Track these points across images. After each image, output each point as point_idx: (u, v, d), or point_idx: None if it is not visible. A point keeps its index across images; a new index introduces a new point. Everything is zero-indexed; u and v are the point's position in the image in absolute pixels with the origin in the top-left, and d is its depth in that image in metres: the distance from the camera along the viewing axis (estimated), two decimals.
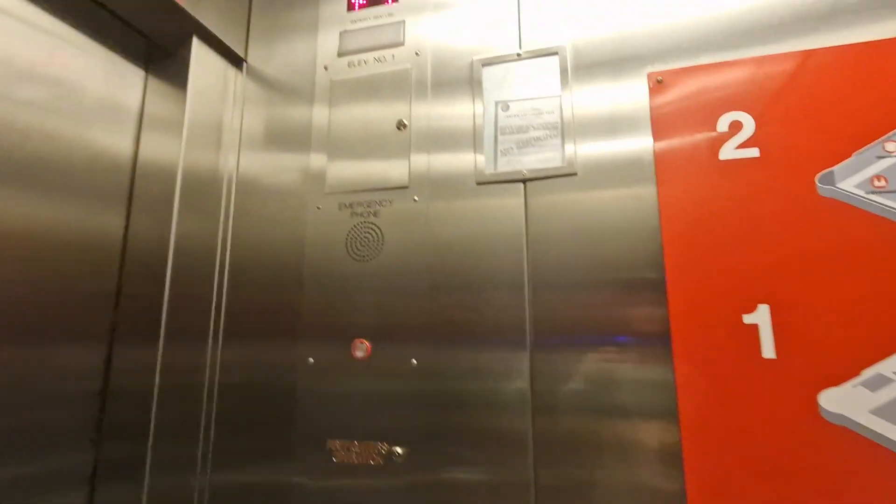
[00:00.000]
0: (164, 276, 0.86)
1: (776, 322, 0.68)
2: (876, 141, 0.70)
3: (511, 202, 0.84)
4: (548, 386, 0.77)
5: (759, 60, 0.76)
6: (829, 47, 0.74)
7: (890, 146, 0.69)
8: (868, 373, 0.64)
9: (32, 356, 0.75)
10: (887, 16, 0.73)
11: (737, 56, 0.78)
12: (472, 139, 0.88)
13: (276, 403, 0.89)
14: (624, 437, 0.72)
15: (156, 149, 0.94)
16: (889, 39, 0.72)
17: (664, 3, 0.83)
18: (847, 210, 0.69)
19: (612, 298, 0.77)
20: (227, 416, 0.91)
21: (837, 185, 0.70)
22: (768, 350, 0.68)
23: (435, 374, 0.82)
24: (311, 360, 0.88)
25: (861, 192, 0.68)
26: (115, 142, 0.91)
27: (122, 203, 0.91)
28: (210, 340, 0.93)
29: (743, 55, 0.78)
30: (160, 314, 0.85)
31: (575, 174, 0.82)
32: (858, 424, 0.63)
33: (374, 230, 0.90)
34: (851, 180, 0.69)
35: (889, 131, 0.69)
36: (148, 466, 0.80)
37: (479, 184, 0.86)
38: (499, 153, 0.86)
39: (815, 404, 0.65)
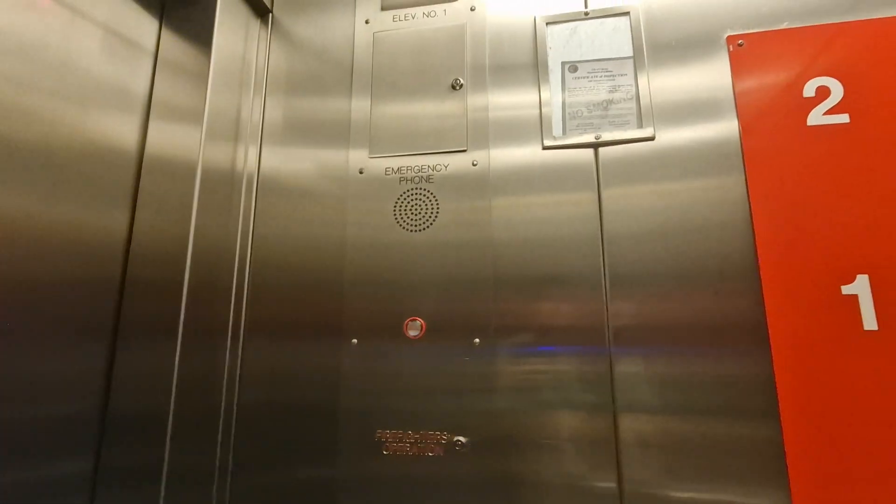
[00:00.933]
0: (185, 258, 0.73)
1: (876, 292, 0.65)
2: None
3: (582, 169, 0.78)
4: (631, 384, 0.70)
5: (845, 27, 0.74)
6: None
7: None
8: None
9: (30, 358, 0.61)
10: None
11: (819, 23, 0.75)
12: (538, 101, 0.81)
13: (314, 394, 0.78)
14: (715, 431, 0.67)
15: (173, 93, 0.81)
16: None
17: None
18: None
19: (697, 283, 0.71)
20: (250, 413, 0.79)
21: None
22: (870, 321, 0.64)
23: (501, 354, 0.74)
24: (354, 341, 0.78)
25: None
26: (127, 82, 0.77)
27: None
28: (230, 335, 0.81)
29: (825, 21, 0.75)
30: (179, 306, 0.72)
31: (652, 139, 0.76)
32: None
33: (427, 197, 0.81)
34: None
35: None
36: (165, 468, 0.67)
37: (545, 149, 0.79)
38: (567, 116, 0.79)
39: None
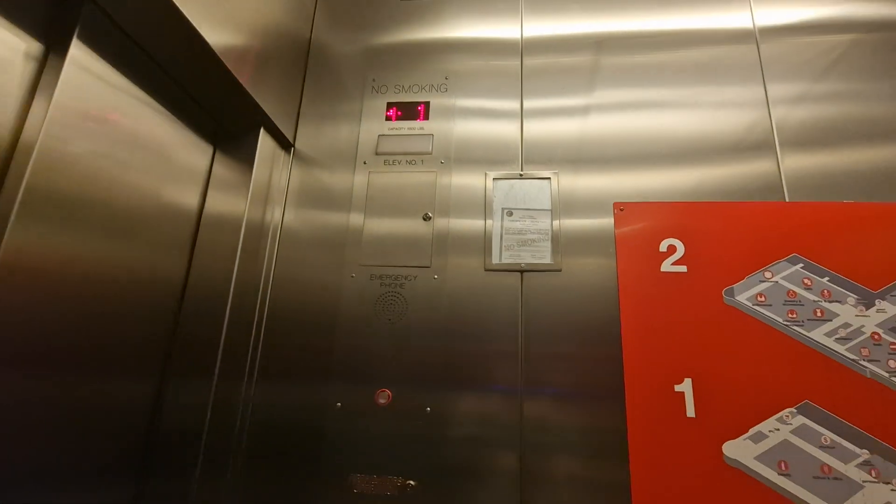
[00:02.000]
0: (222, 316, 1.02)
1: (697, 390, 0.97)
2: (759, 270, 1.04)
3: (511, 284, 1.10)
4: (534, 430, 1.00)
5: (689, 205, 1.10)
6: (731, 203, 1.09)
7: (767, 274, 1.03)
8: (753, 430, 0.94)
9: (85, 389, 0.85)
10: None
11: (675, 199, 1.12)
12: (483, 234, 1.14)
13: (303, 442, 1.04)
14: (588, 473, 0.96)
15: (219, 205, 1.11)
16: (764, 203, 1.08)
17: (623, 161, 1.17)
18: (742, 315, 1.01)
19: (584, 362, 1.03)
20: (257, 451, 1.04)
21: (736, 297, 1.02)
22: (690, 411, 0.96)
23: (445, 418, 1.02)
24: (339, 404, 1.05)
25: (750, 304, 1.01)
26: (185, 198, 1.07)
27: (187, 249, 1.07)
28: (245, 380, 1.08)
29: (678, 199, 1.11)
30: (213, 354, 1.00)
31: (560, 270, 1.09)
32: (747, 467, 0.92)
33: (399, 299, 1.11)
34: (744, 295, 1.02)
35: (766, 264, 1.04)
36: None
37: (487, 270, 1.12)
38: (503, 248, 1.12)
39: (720, 451, 0.93)
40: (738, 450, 0.93)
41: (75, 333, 0.80)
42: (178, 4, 0.79)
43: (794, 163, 1.13)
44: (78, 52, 0.79)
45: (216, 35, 0.90)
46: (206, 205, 1.12)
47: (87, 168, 0.81)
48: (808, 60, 1.22)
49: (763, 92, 1.20)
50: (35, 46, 0.76)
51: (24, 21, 0.75)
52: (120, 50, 0.87)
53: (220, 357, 1.00)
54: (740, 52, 1.24)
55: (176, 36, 0.87)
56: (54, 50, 0.78)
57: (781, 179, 1.12)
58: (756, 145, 1.15)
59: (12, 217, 0.69)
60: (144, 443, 0.97)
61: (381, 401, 1.04)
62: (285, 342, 1.11)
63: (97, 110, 0.83)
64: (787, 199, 1.10)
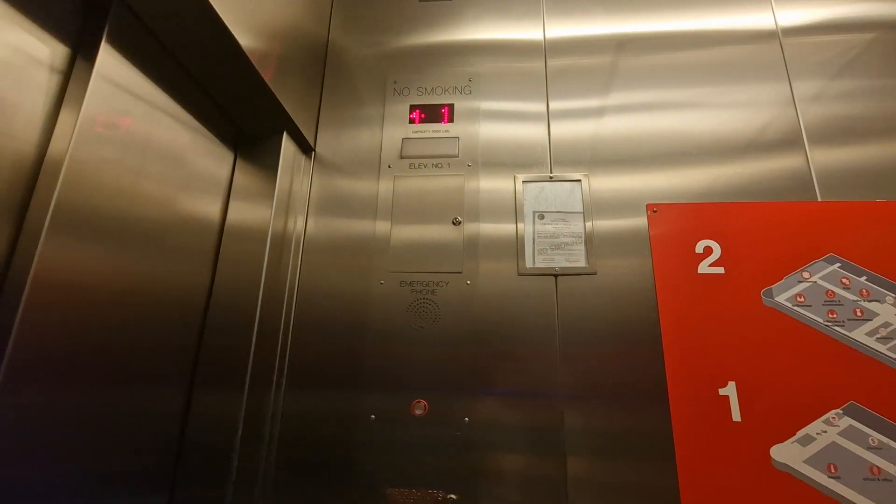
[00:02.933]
0: (251, 327, 0.99)
1: (741, 394, 0.96)
2: (796, 270, 1.03)
3: (546, 289, 1.08)
4: (577, 435, 0.97)
5: (723, 205, 1.09)
6: (765, 203, 1.08)
7: (805, 275, 1.02)
8: (801, 433, 0.93)
9: (114, 399, 0.82)
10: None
11: (707, 199, 1.10)
12: (515, 238, 1.12)
13: (336, 454, 1.01)
14: (634, 478, 0.94)
15: (242, 214, 1.08)
16: (797, 203, 1.08)
17: (653, 161, 1.16)
18: (782, 316, 1.00)
19: (623, 365, 1.01)
20: (286, 463, 1.01)
21: (775, 299, 1.01)
22: (736, 415, 0.95)
23: (484, 427, 0.99)
24: (372, 416, 1.02)
25: (790, 305, 1.00)
26: (208, 206, 1.04)
27: (210, 259, 1.03)
28: (273, 391, 1.05)
29: (711, 199, 1.10)
30: (244, 365, 0.97)
31: (595, 273, 1.07)
32: (796, 471, 0.91)
33: (431, 305, 1.08)
34: (783, 296, 1.01)
35: (803, 265, 1.03)
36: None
37: (520, 274, 1.09)
38: (536, 252, 1.10)
39: (768, 455, 0.92)
40: (787, 453, 0.91)
41: (104, 345, 0.76)
42: (212, 3, 0.76)
43: (824, 159, 1.12)
44: (107, 56, 0.75)
45: (244, 35, 0.87)
46: (229, 213, 1.09)
47: (114, 179, 0.77)
48: (830, 58, 1.22)
49: (789, 90, 1.19)
50: (61, 50, 0.73)
51: (49, 22, 0.71)
52: (148, 53, 0.83)
53: (250, 367, 0.97)
54: (764, 50, 1.24)
55: (207, 36, 0.83)
56: (82, 54, 0.74)
57: (812, 176, 1.11)
58: (784, 143, 1.15)
59: (44, 232, 0.66)
60: (176, 453, 0.93)
61: (418, 412, 1.01)
62: (314, 352, 1.08)
63: (126, 118, 0.79)
64: (819, 197, 1.09)
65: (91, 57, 0.73)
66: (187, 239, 0.97)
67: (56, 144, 0.70)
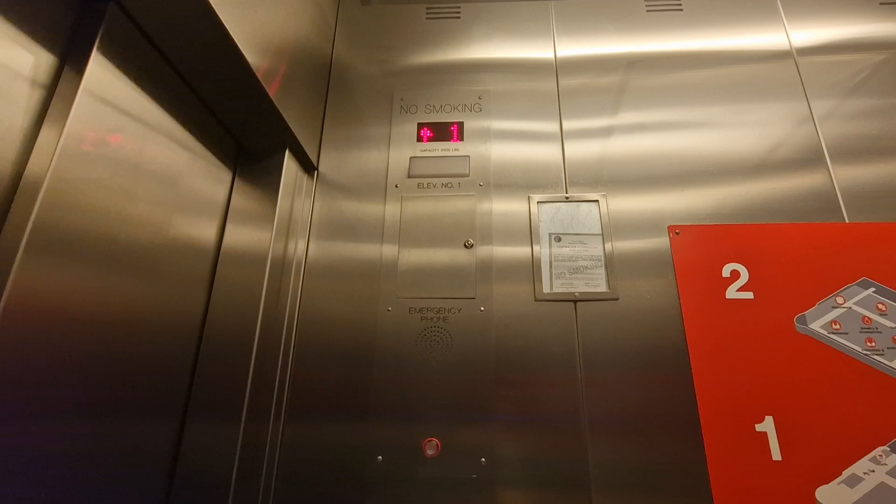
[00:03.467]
0: (248, 355, 0.90)
1: (780, 430, 0.89)
2: (829, 295, 0.97)
3: (565, 315, 1.01)
4: (603, 471, 0.89)
5: (749, 227, 1.04)
6: (791, 224, 1.04)
7: (839, 300, 0.97)
8: (846, 472, 0.85)
9: (98, 435, 0.73)
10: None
11: (729, 220, 1.06)
12: (531, 262, 1.05)
13: (340, 493, 0.91)
14: None
15: (239, 238, 1.00)
16: (825, 224, 1.03)
17: (672, 180, 1.11)
18: (818, 345, 0.94)
19: (650, 396, 0.93)
20: (285, 502, 0.91)
21: (809, 326, 0.95)
22: (776, 454, 0.87)
23: (504, 467, 0.91)
24: (380, 458, 0.93)
25: (825, 332, 0.94)
26: (203, 227, 0.96)
27: (205, 284, 0.95)
28: (272, 424, 0.96)
29: (733, 220, 1.05)
30: (240, 395, 0.88)
31: (617, 298, 1.01)
32: None
33: (444, 333, 1.01)
34: (818, 322, 0.95)
35: (835, 289, 0.98)
36: None
37: (537, 300, 1.02)
38: (553, 276, 1.04)
39: (814, 498, 0.84)
40: (834, 496, 0.84)
41: (87, 377, 0.68)
42: (216, 9, 0.70)
43: (848, 178, 1.09)
44: (98, 67, 0.69)
45: (251, 49, 0.82)
46: (226, 235, 1.01)
47: (102, 200, 0.70)
48: (845, 77, 1.20)
49: (807, 108, 1.17)
50: (46, 59, 0.66)
51: (35, 28, 0.65)
52: (145, 64, 0.77)
53: (247, 398, 0.88)
54: (780, 69, 1.22)
55: (212, 49, 0.78)
56: (70, 62, 0.68)
57: (838, 195, 1.07)
58: (806, 161, 1.11)
59: (19, 256, 0.58)
60: (167, 490, 0.83)
61: (430, 451, 0.93)
62: (316, 384, 0.99)
63: (117, 135, 0.73)
64: (846, 218, 1.05)
65: (80, 67, 0.67)
66: (181, 263, 0.89)
67: (36, 162, 0.63)
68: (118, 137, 0.74)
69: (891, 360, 0.92)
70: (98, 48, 0.69)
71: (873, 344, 0.93)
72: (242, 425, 0.87)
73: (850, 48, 1.23)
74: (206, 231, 0.97)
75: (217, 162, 1.01)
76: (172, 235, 0.87)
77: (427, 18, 1.34)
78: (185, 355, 0.91)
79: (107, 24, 0.70)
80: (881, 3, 1.27)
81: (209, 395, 0.91)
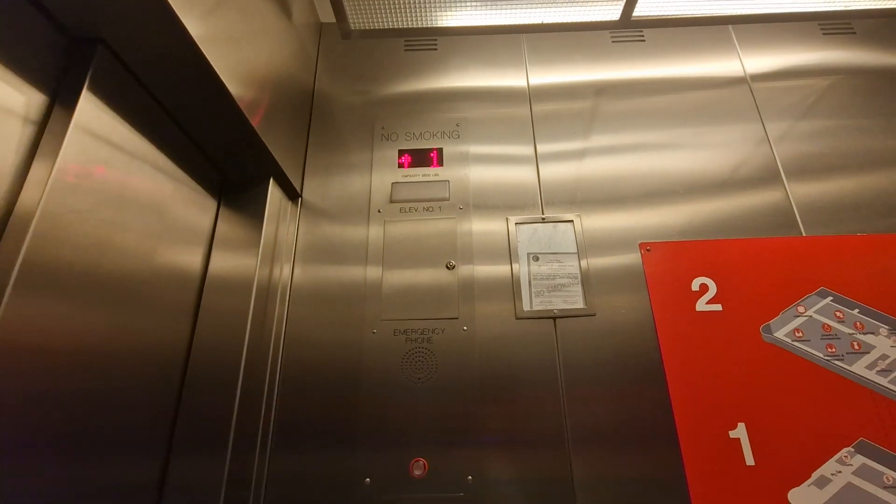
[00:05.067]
0: (234, 384, 0.91)
1: (752, 436, 0.93)
2: (791, 305, 1.03)
3: (545, 332, 1.04)
4: (588, 485, 0.92)
5: (716, 243, 1.10)
6: (754, 239, 1.10)
7: (801, 309, 1.03)
8: (816, 474, 0.90)
9: (86, 467, 0.73)
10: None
11: (697, 235, 1.12)
12: (511, 281, 1.09)
13: None
14: None
15: (225, 265, 1.02)
16: (785, 238, 1.10)
17: (642, 199, 1.17)
18: (783, 352, 0.99)
19: (630, 408, 0.97)
20: None
21: (774, 334, 1.01)
22: (749, 459, 0.91)
23: (491, 485, 0.93)
24: (367, 480, 0.94)
25: (789, 340, 1.00)
26: (188, 258, 0.98)
27: (190, 314, 0.96)
28: (258, 453, 0.96)
29: (700, 235, 1.11)
30: (226, 426, 0.88)
31: (594, 314, 1.05)
32: None
33: (428, 354, 1.03)
34: (782, 331, 1.01)
35: (797, 299, 1.04)
36: None
37: (518, 318, 1.06)
38: (533, 294, 1.08)
39: (787, 501, 0.88)
40: (805, 498, 0.88)
41: (70, 411, 0.68)
42: (200, 46, 0.74)
43: (803, 194, 1.16)
44: (87, 104, 0.71)
45: (234, 83, 0.85)
46: (211, 263, 1.03)
47: (89, 231, 0.72)
48: (797, 101, 1.29)
49: (763, 130, 1.25)
50: (37, 99, 0.68)
51: (26, 67, 0.67)
52: (132, 100, 0.80)
53: (233, 428, 0.88)
54: (736, 94, 1.30)
55: (196, 84, 0.81)
56: (61, 101, 0.70)
57: (794, 211, 1.14)
58: (763, 180, 1.18)
59: (8, 290, 0.59)
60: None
61: (417, 472, 0.94)
62: (303, 409, 1.00)
63: (103, 168, 0.75)
64: (803, 231, 1.12)
65: (70, 105, 0.69)
66: (166, 292, 0.90)
67: (26, 197, 0.64)
68: (106, 171, 0.76)
69: (850, 365, 0.98)
70: (88, 87, 0.71)
71: (833, 350, 0.99)
72: (228, 457, 0.87)
73: (799, 74, 1.33)
74: (191, 259, 0.99)
75: (202, 191, 1.03)
76: (157, 265, 0.88)
77: (405, 50, 1.40)
78: (170, 386, 0.91)
79: (96, 63, 0.73)
80: (824, 34, 1.38)
81: (194, 427, 0.90)
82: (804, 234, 1.11)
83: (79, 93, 0.70)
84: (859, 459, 0.90)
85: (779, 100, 1.29)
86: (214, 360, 0.95)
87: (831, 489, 0.88)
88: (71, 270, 0.68)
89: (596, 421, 0.97)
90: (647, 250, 1.10)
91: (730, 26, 1.40)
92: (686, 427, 0.94)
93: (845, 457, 0.91)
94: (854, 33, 1.37)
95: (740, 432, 0.93)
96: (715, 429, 0.94)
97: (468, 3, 1.16)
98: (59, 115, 0.69)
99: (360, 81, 1.36)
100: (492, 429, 0.97)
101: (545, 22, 1.22)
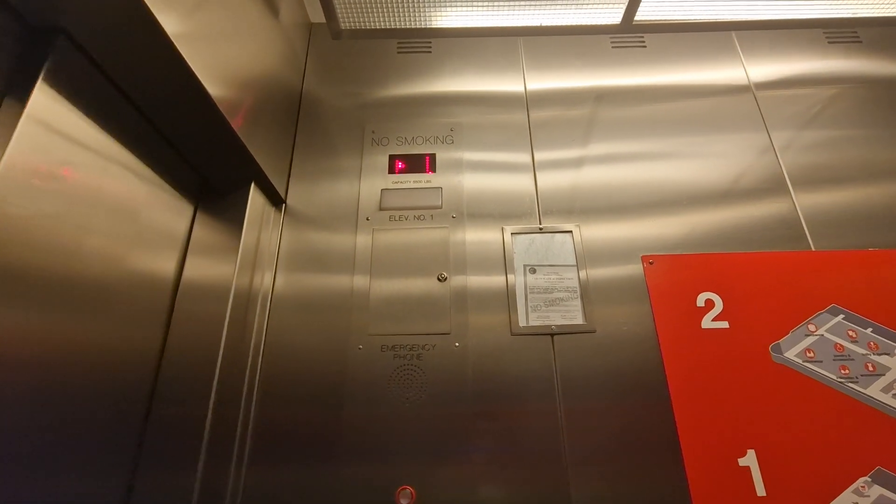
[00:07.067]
0: (207, 393, 0.84)
1: (762, 464, 0.86)
2: (801, 323, 0.98)
3: (542, 349, 0.98)
4: None
5: (722, 256, 1.05)
6: (761, 253, 1.05)
7: (811, 327, 0.97)
8: None
9: (45, 485, 0.65)
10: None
11: (700, 248, 1.06)
12: (506, 294, 1.03)
13: None
14: None
15: (200, 271, 0.95)
16: (793, 252, 1.05)
17: (644, 210, 1.12)
18: (794, 374, 0.93)
19: (632, 432, 0.90)
20: None
21: (784, 354, 0.95)
22: (760, 489, 0.85)
23: None
24: None
25: (800, 361, 0.94)
26: (160, 263, 0.91)
27: (162, 321, 0.89)
28: (233, 467, 0.89)
29: (704, 248, 1.06)
30: (197, 440, 0.81)
31: (594, 331, 0.99)
32: None
33: (418, 372, 0.97)
34: (792, 351, 0.95)
35: (807, 317, 0.98)
36: None
37: (514, 334, 1.00)
38: (529, 308, 1.01)
39: None
40: None
41: (25, 424, 0.62)
42: (176, 45, 0.68)
43: (811, 205, 1.11)
44: (43, 97, 0.65)
45: (213, 83, 0.79)
46: (186, 269, 0.96)
47: (51, 235, 0.65)
48: (802, 110, 1.25)
49: (768, 138, 1.20)
50: None
51: None
52: (99, 96, 0.74)
53: (206, 440, 0.81)
54: (740, 102, 1.26)
55: (171, 83, 0.75)
56: (12, 92, 0.64)
57: (802, 223, 1.09)
58: (770, 190, 1.14)
59: None
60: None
61: (404, 501, 0.87)
62: (282, 424, 0.93)
63: (65, 168, 0.68)
64: (812, 245, 1.07)
65: (23, 97, 0.63)
66: (135, 298, 0.83)
67: None
68: (67, 169, 0.69)
69: (865, 388, 0.92)
70: (44, 78, 0.65)
71: (847, 371, 0.93)
72: (200, 472, 0.80)
73: (804, 83, 1.29)
74: (164, 265, 0.92)
75: (177, 195, 0.96)
76: (127, 270, 0.81)
77: (398, 52, 1.35)
78: (138, 397, 0.84)
79: (55, 54, 0.67)
80: (829, 42, 1.34)
81: (164, 439, 0.83)
82: (812, 247, 1.06)
83: (33, 84, 0.63)
84: (877, 490, 0.84)
85: (784, 108, 1.25)
86: (187, 368, 0.88)
87: None
88: (27, 274, 0.61)
89: (596, 444, 0.91)
90: (650, 263, 1.05)
91: (733, 33, 1.36)
92: (692, 453, 0.88)
93: (862, 487, 0.85)
94: (860, 42, 1.34)
95: (750, 460, 0.87)
96: (723, 455, 0.88)
97: (463, 3, 1.11)
98: (10, 107, 0.62)
99: (350, 84, 1.30)
100: (485, 455, 0.90)
101: (544, 25, 1.17)
